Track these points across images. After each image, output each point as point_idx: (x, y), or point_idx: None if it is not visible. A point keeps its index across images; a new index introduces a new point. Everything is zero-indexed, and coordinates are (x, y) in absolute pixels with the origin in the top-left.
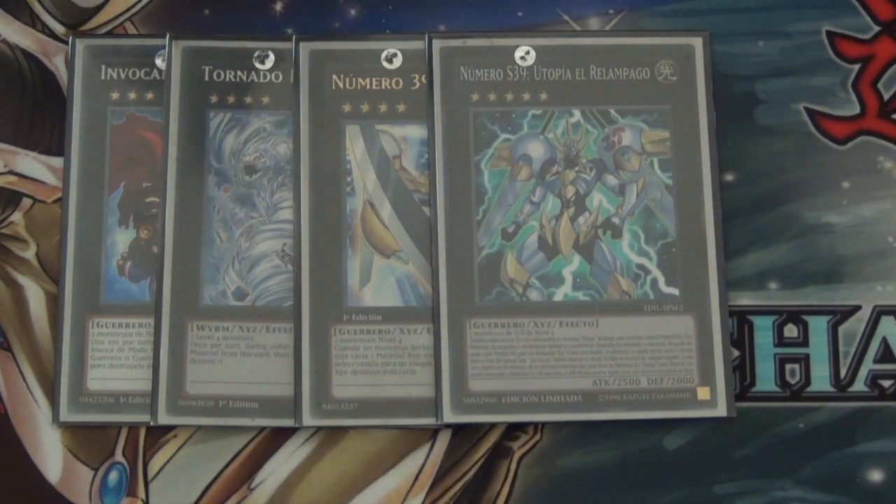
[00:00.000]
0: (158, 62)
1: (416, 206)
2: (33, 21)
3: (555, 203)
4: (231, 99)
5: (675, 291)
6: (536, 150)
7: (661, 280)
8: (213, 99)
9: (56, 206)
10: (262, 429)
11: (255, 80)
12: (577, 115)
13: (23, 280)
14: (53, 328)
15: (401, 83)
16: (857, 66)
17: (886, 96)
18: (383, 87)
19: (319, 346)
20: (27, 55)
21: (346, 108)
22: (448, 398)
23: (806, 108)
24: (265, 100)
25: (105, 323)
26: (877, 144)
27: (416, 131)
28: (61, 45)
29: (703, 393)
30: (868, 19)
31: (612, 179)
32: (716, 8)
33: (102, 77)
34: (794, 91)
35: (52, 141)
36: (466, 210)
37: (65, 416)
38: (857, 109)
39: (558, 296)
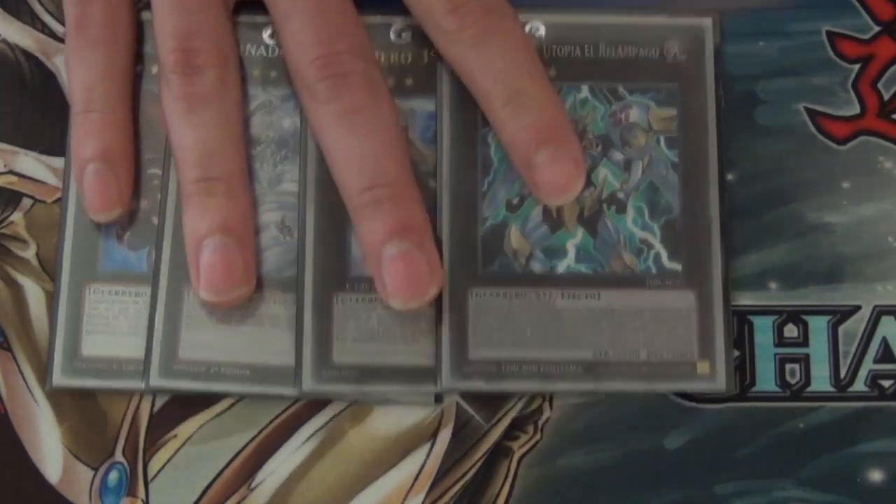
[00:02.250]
0: None
1: (422, 179)
2: (33, 21)
3: None
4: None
5: (677, 267)
6: None
7: (664, 255)
8: None
9: (56, 206)
10: (264, 428)
11: (264, 54)
12: (584, 91)
13: (23, 280)
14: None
15: (409, 58)
16: (857, 66)
17: (886, 96)
18: (391, 61)
19: (322, 315)
20: (27, 55)
21: None
22: (448, 366)
23: (806, 108)
24: (272, 74)
25: (102, 290)
26: (877, 144)
27: (423, 105)
28: (61, 45)
29: (702, 367)
30: (868, 19)
31: (617, 155)
32: (715, 8)
33: None
34: (794, 91)
35: (52, 141)
36: (472, 181)
37: (58, 380)
38: (857, 109)
39: (561, 268)
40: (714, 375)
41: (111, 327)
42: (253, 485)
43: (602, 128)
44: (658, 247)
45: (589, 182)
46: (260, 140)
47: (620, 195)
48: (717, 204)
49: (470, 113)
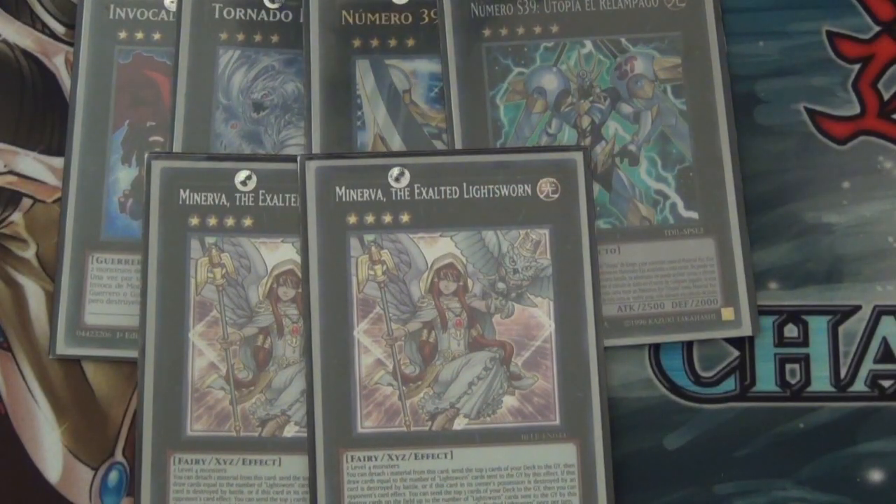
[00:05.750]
0: (167, 2)
1: (427, 139)
2: (33, 21)
3: (571, 134)
4: (240, 37)
5: (694, 215)
6: (550, 82)
7: (681, 204)
8: (223, 36)
9: (56, 206)
10: None
11: (265, 18)
12: (588, 45)
13: (23, 280)
14: (53, 324)
15: (410, 18)
16: (857, 66)
17: (886, 96)
18: (392, 22)
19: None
20: (27, 55)
21: (357, 43)
22: None
23: (806, 108)
24: (274, 38)
25: (105, 259)
26: (877, 144)
27: (425, 65)
28: (61, 45)
29: (727, 314)
30: (868, 19)
31: (626, 108)
32: None
33: (111, 16)
34: (794, 91)
35: (52, 141)
36: (484, 145)
37: (61, 349)
38: (857, 109)
39: None
40: (739, 321)
41: (114, 296)
42: None
43: (608, 81)
44: (673, 196)
45: (600, 137)
46: (263, 105)
47: (632, 147)
48: (729, 149)
49: (477, 75)
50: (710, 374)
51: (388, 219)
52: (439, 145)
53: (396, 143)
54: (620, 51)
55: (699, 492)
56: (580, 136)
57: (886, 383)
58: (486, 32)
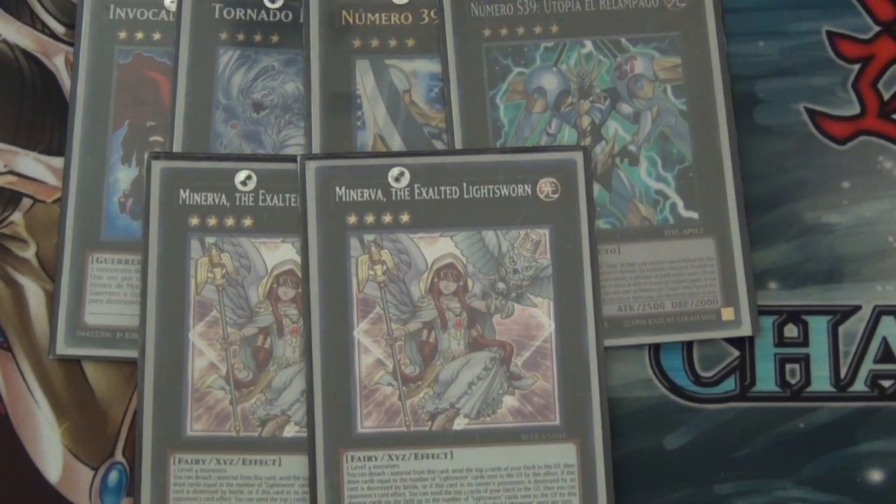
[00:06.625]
0: (167, 2)
1: (427, 139)
2: (33, 21)
3: (571, 134)
4: (240, 37)
5: (694, 215)
6: (550, 82)
7: (681, 204)
8: (223, 36)
9: (56, 206)
10: None
11: (265, 18)
12: (588, 45)
13: (23, 280)
14: (53, 324)
15: (410, 18)
16: (857, 66)
17: (886, 96)
18: (392, 22)
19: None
20: (27, 55)
21: (356, 43)
22: None
23: (806, 108)
24: (274, 38)
25: (105, 259)
26: (877, 144)
27: (425, 65)
28: (61, 45)
29: (727, 314)
30: (868, 19)
31: (626, 108)
32: None
33: (111, 16)
34: (794, 91)
35: (52, 141)
36: (484, 145)
37: (61, 349)
38: (857, 109)
39: None
40: (739, 321)
41: (114, 296)
42: None
43: (608, 81)
44: (673, 196)
45: (600, 137)
46: (263, 106)
47: (632, 147)
48: (729, 149)
49: (477, 75)
50: (710, 374)
51: (388, 219)
52: (439, 145)
53: (396, 143)
54: (620, 51)
55: (699, 492)
56: (580, 136)
57: (886, 383)
58: (486, 32)
